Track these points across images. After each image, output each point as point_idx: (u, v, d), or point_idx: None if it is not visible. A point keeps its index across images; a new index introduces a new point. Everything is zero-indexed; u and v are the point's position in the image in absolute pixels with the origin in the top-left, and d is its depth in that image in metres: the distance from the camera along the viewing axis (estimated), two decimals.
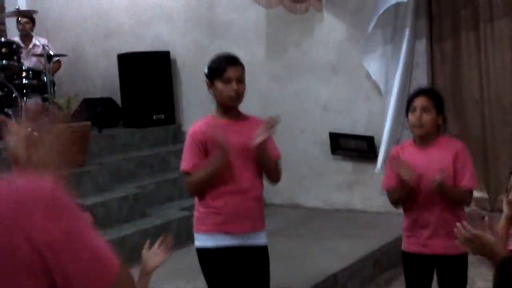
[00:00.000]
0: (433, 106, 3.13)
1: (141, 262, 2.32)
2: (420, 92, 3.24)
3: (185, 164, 2.90)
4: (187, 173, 2.89)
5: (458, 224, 2.16)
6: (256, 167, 2.95)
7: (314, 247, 4.75)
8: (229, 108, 2.94)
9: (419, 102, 3.13)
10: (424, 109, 3.11)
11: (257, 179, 2.97)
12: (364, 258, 4.59)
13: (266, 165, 2.94)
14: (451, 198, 3.09)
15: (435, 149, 3.15)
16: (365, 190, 5.95)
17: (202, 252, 2.96)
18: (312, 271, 4.21)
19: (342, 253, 4.62)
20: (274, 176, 3.02)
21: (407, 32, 5.44)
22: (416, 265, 3.28)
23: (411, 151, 3.21)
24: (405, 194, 3.13)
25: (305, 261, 4.33)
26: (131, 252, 4.35)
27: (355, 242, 4.88)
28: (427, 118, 3.11)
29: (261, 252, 3.00)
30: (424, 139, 3.17)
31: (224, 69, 2.87)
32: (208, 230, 2.92)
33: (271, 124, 2.82)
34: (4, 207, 1.05)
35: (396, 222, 5.41)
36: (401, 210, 5.60)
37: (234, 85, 2.87)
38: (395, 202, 3.27)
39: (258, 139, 2.80)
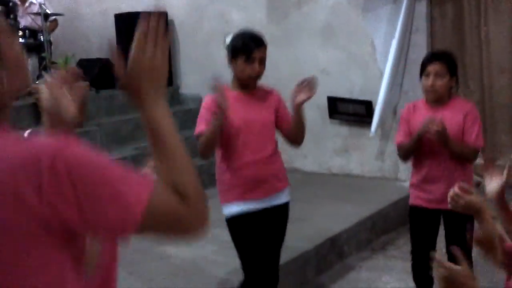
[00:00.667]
0: (447, 71, 3.16)
1: None
2: (433, 57, 3.26)
3: (197, 129, 2.95)
4: (198, 136, 2.93)
5: (452, 189, 2.21)
6: (270, 138, 3.05)
7: (311, 211, 4.79)
8: (246, 84, 3.00)
9: (433, 68, 3.16)
10: (437, 75, 3.14)
11: (271, 148, 3.05)
12: (361, 222, 4.64)
13: (299, 125, 3.02)
14: (454, 151, 3.13)
15: (446, 109, 3.20)
16: (362, 155, 5.97)
17: (230, 221, 3.04)
18: (309, 234, 4.26)
19: (339, 217, 4.66)
20: (301, 138, 3.10)
21: None
22: (422, 220, 3.32)
23: (422, 110, 3.26)
24: (415, 147, 3.20)
25: (303, 225, 4.36)
26: None
27: (352, 207, 4.92)
28: (440, 84, 3.15)
29: (282, 209, 3.13)
30: (436, 101, 3.21)
31: (250, 51, 2.89)
32: (232, 200, 3.00)
33: (311, 84, 2.95)
34: (12, 165, 1.05)
35: (392, 187, 5.48)
36: (397, 175, 5.69)
37: (256, 66, 2.92)
38: (404, 156, 3.35)
39: (300, 98, 2.93)
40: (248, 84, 2.99)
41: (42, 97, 1.46)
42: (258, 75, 2.97)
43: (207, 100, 2.96)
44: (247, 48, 2.90)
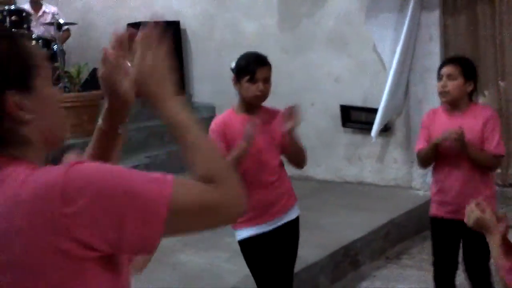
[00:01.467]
0: (460, 73, 3.14)
1: None
2: (447, 61, 3.29)
3: None
4: None
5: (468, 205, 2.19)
6: (277, 160, 3.06)
7: (324, 219, 4.76)
8: (252, 105, 3.00)
9: (445, 70, 3.18)
10: (449, 77, 3.14)
11: (278, 170, 3.06)
12: (375, 231, 4.60)
13: (295, 150, 3.03)
14: (475, 158, 3.11)
15: (465, 116, 3.18)
16: (376, 163, 5.93)
17: (242, 243, 3.06)
18: (323, 243, 4.23)
19: (352, 225, 4.63)
20: (301, 161, 3.11)
21: (411, 3, 5.36)
22: (443, 231, 3.28)
23: (441, 117, 3.25)
24: (432, 154, 3.19)
25: (316, 233, 4.33)
26: None
27: (365, 215, 4.88)
28: (452, 85, 3.14)
29: (292, 225, 3.12)
30: (454, 106, 3.20)
31: (253, 71, 2.91)
32: (244, 225, 3.00)
33: (291, 112, 2.89)
34: (26, 202, 1.04)
35: (406, 195, 5.44)
36: (410, 184, 5.64)
37: (260, 86, 2.92)
38: (422, 163, 3.34)
39: (286, 127, 2.90)
40: (253, 105, 2.99)
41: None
42: (264, 95, 2.96)
43: (213, 124, 2.98)
44: (251, 67, 2.92)
